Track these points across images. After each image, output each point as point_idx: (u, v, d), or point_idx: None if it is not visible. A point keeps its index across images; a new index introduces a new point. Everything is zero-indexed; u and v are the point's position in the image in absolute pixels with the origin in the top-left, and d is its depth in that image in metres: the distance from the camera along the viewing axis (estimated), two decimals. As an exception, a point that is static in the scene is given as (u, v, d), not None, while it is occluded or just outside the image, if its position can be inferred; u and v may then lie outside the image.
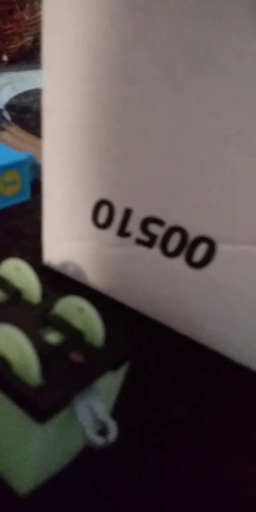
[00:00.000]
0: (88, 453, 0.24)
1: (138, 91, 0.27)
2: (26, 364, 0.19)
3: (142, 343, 0.32)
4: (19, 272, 0.26)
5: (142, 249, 0.31)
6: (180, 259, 0.30)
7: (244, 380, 0.30)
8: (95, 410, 0.20)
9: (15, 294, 0.25)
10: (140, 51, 0.25)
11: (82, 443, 0.24)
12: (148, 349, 0.32)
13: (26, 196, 0.49)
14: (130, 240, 0.31)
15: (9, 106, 0.79)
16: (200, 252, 0.29)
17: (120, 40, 0.26)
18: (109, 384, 0.23)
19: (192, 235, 0.29)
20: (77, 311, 0.23)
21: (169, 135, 0.27)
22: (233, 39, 0.22)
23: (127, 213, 0.30)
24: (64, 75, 0.29)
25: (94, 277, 0.36)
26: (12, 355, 0.20)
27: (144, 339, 0.33)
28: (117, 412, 0.24)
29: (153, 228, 0.30)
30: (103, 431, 0.20)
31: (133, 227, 0.31)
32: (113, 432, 0.20)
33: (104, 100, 0.28)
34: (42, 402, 0.18)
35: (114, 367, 0.22)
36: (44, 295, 0.25)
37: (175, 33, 0.24)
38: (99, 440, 0.19)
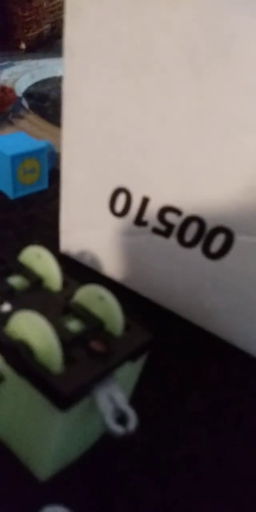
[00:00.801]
0: (106, 442, 0.24)
1: (158, 78, 0.26)
2: (49, 350, 0.19)
3: (158, 334, 0.32)
4: (41, 260, 0.26)
5: (158, 238, 0.31)
6: (197, 249, 0.30)
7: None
8: (115, 399, 0.20)
9: (37, 281, 0.25)
10: (162, 36, 0.25)
11: (100, 432, 0.24)
12: (164, 340, 0.32)
13: (44, 185, 0.49)
14: (147, 229, 0.31)
15: (27, 94, 0.79)
16: (217, 242, 0.29)
17: (142, 24, 0.26)
18: (128, 374, 0.23)
19: (210, 225, 0.28)
20: (98, 299, 0.23)
21: (189, 123, 0.26)
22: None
23: (145, 201, 0.30)
24: (85, 60, 0.29)
25: (110, 266, 0.36)
26: (35, 341, 0.20)
27: (160, 330, 0.33)
28: (135, 402, 0.24)
29: (170, 217, 0.30)
30: (122, 420, 0.20)
31: (150, 216, 0.31)
32: (132, 421, 0.20)
33: (124, 86, 0.28)
34: (65, 390, 0.18)
35: (134, 357, 0.22)
36: (65, 282, 0.25)
37: (198, 17, 0.24)
38: (119, 429, 0.19)
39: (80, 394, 0.19)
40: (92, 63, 0.29)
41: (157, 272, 0.33)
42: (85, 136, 0.32)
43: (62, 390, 0.18)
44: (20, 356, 0.19)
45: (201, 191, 0.28)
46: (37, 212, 0.46)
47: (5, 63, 0.90)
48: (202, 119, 0.26)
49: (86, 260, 0.37)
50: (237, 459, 0.25)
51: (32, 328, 0.20)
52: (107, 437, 0.24)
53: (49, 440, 0.20)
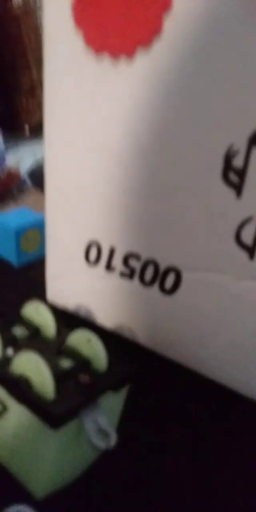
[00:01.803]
0: (96, 469, 0.28)
1: (111, 157, 0.33)
2: (43, 383, 0.24)
3: (139, 369, 0.37)
4: (38, 313, 0.31)
5: (125, 281, 0.37)
6: (155, 287, 0.35)
7: (236, 404, 0.34)
8: (99, 421, 0.25)
9: (35, 331, 0.30)
10: (112, 130, 0.32)
11: (92, 457, 0.28)
12: (144, 374, 0.36)
13: (44, 251, 0.56)
14: (115, 274, 0.37)
15: (31, 173, 0.89)
16: (170, 280, 0.34)
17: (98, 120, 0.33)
18: (112, 402, 0.28)
19: (163, 265, 0.34)
20: (85, 342, 0.28)
21: (135, 189, 0.33)
22: None
23: (111, 250, 0.36)
24: (60, 146, 0.36)
25: (86, 308, 0.41)
26: (33, 376, 0.25)
27: (139, 364, 0.37)
28: (123, 432, 0.28)
29: (132, 262, 0.35)
30: (105, 439, 0.24)
31: (117, 262, 0.36)
32: (113, 438, 0.24)
33: (88, 162, 0.35)
34: (56, 411, 0.23)
35: (115, 387, 0.27)
36: (58, 330, 0.31)
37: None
38: (101, 444, 0.24)
39: (69, 416, 0.24)
40: (65, 147, 0.36)
41: (127, 310, 0.38)
42: (62, 199, 0.39)
43: (53, 412, 0.23)
44: (21, 388, 0.24)
45: (153, 238, 0.34)
46: (37, 274, 0.51)
47: (10, 146, 1.01)
48: (152, 185, 0.32)
49: (68, 305, 0.43)
50: (215, 481, 0.29)
51: (30, 365, 0.25)
52: (98, 463, 0.28)
53: (44, 458, 0.24)
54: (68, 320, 0.41)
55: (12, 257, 0.54)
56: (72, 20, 0.30)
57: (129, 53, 0.28)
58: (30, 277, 0.52)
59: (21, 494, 0.26)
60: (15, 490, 0.26)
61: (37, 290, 0.49)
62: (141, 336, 0.39)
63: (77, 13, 0.29)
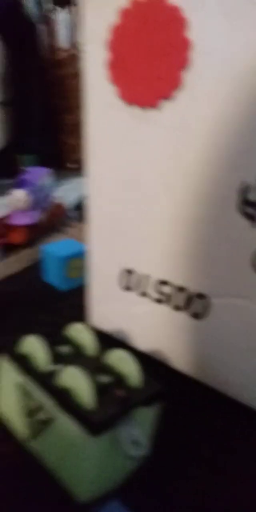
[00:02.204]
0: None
1: (143, 193, 0.37)
2: (84, 394, 0.28)
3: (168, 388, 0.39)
4: (80, 333, 0.35)
5: (158, 306, 0.40)
6: (186, 313, 0.38)
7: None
8: (132, 432, 0.28)
9: (77, 349, 0.34)
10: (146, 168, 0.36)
11: (130, 467, 0.31)
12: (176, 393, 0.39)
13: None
14: (149, 300, 0.40)
15: (76, 207, 0.95)
16: (199, 305, 0.36)
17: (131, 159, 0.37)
18: (145, 416, 0.30)
19: (192, 291, 0.37)
20: (121, 360, 0.32)
21: (171, 221, 0.36)
22: None
23: (146, 277, 0.39)
24: (98, 183, 0.40)
25: (123, 331, 0.44)
26: (75, 388, 0.28)
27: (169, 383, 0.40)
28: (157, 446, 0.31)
29: (165, 288, 0.38)
30: (138, 449, 0.27)
31: (151, 288, 0.40)
32: (145, 448, 0.27)
33: (123, 200, 0.39)
34: (96, 420, 0.26)
35: (148, 402, 0.30)
36: (98, 349, 0.34)
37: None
38: (134, 452, 0.27)
39: (107, 425, 0.27)
40: (104, 184, 0.40)
41: (160, 334, 0.41)
42: (101, 230, 0.43)
43: (93, 420, 0.26)
44: (65, 398, 0.28)
45: (183, 266, 0.37)
46: (81, 299, 0.56)
47: (57, 182, 1.09)
48: (178, 219, 0.36)
49: (108, 329, 0.46)
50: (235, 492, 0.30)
51: (73, 378, 0.29)
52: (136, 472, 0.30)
53: (85, 463, 0.27)
54: (109, 340, 0.45)
55: (58, 283, 0.59)
56: (107, 77, 0.35)
57: (155, 104, 0.32)
58: (74, 302, 0.56)
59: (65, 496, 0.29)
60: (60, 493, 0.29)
61: (81, 313, 0.54)
62: (173, 358, 0.41)
63: (111, 72, 0.34)
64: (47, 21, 1.47)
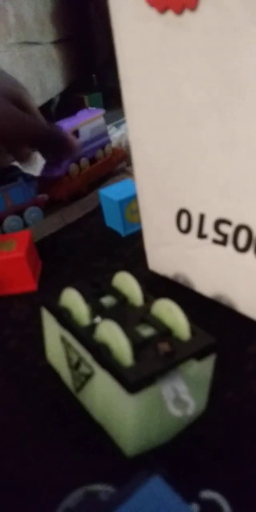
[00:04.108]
0: (186, 434, 0.28)
1: (190, 118, 0.31)
2: (121, 350, 0.25)
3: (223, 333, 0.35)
4: (126, 282, 0.32)
5: (218, 248, 0.35)
6: (250, 254, 0.33)
7: None
8: (177, 389, 0.25)
9: (123, 300, 0.32)
10: (188, 85, 0.30)
11: (180, 425, 0.28)
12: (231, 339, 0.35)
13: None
14: (208, 241, 0.36)
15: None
16: None
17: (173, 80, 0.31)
18: (197, 373, 0.27)
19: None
20: (167, 311, 0.28)
21: (221, 151, 0.30)
22: None
23: (201, 217, 0.35)
24: (141, 118, 0.35)
25: (183, 276, 0.41)
26: (112, 343, 0.26)
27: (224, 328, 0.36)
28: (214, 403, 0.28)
29: (224, 228, 0.33)
30: (184, 407, 0.25)
31: (208, 229, 0.35)
32: (191, 407, 0.24)
33: (169, 133, 0.33)
34: (132, 377, 0.24)
35: (197, 357, 0.27)
36: (145, 299, 0.31)
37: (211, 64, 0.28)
38: (178, 412, 0.24)
39: (144, 382, 0.24)
40: (144, 114, 0.35)
41: (220, 276, 0.37)
42: (150, 173, 0.39)
43: (129, 378, 0.24)
44: (102, 353, 0.26)
45: (243, 203, 0.32)
46: (142, 246, 0.53)
47: (122, 120, 1.03)
48: (232, 146, 0.29)
49: (167, 274, 0.43)
50: None
51: (110, 333, 0.26)
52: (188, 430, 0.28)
53: (126, 420, 0.26)
54: (167, 286, 0.42)
55: (119, 228, 0.57)
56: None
57: (192, 5, 0.25)
58: (136, 247, 0.53)
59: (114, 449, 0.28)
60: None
61: (142, 259, 0.51)
62: (240, 304, 0.37)
63: None
64: None
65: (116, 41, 0.33)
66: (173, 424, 0.28)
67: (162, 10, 0.28)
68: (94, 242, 0.57)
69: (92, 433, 0.30)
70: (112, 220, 0.58)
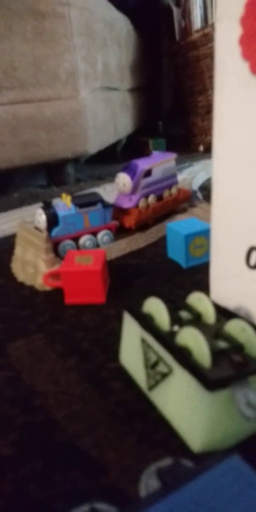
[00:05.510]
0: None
1: None
2: (201, 353, 0.30)
3: None
4: (201, 301, 0.37)
5: None
6: None
7: None
8: (249, 396, 0.29)
9: (197, 316, 0.36)
10: None
11: (248, 429, 0.31)
12: None
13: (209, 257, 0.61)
14: None
15: (202, 187, 0.96)
16: None
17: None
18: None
19: None
20: (240, 330, 0.32)
21: None
22: None
23: None
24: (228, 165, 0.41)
25: (245, 309, 0.44)
26: (193, 347, 0.30)
27: None
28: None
29: None
30: (254, 411, 0.28)
31: None
32: (260, 412, 0.28)
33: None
34: (211, 376, 0.28)
35: (265, 372, 0.30)
36: (217, 319, 0.35)
37: None
38: (249, 412, 0.27)
39: (221, 383, 0.28)
40: (231, 162, 0.40)
41: None
42: (226, 209, 0.43)
43: (209, 376, 0.28)
44: (183, 355, 0.30)
45: None
46: (204, 278, 0.57)
47: (186, 164, 1.11)
48: None
49: (229, 305, 0.46)
50: None
51: (192, 337, 0.31)
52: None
53: (200, 416, 0.29)
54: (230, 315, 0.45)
55: (181, 260, 0.61)
56: (240, 52, 0.35)
57: None
58: (196, 279, 0.58)
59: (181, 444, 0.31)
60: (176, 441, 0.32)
61: (202, 290, 0.55)
62: None
63: (244, 46, 0.34)
64: (182, 2, 1.48)
65: (218, 97, 0.39)
66: (240, 428, 0.31)
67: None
68: (157, 270, 0.62)
69: (158, 430, 0.33)
70: (175, 252, 0.63)
